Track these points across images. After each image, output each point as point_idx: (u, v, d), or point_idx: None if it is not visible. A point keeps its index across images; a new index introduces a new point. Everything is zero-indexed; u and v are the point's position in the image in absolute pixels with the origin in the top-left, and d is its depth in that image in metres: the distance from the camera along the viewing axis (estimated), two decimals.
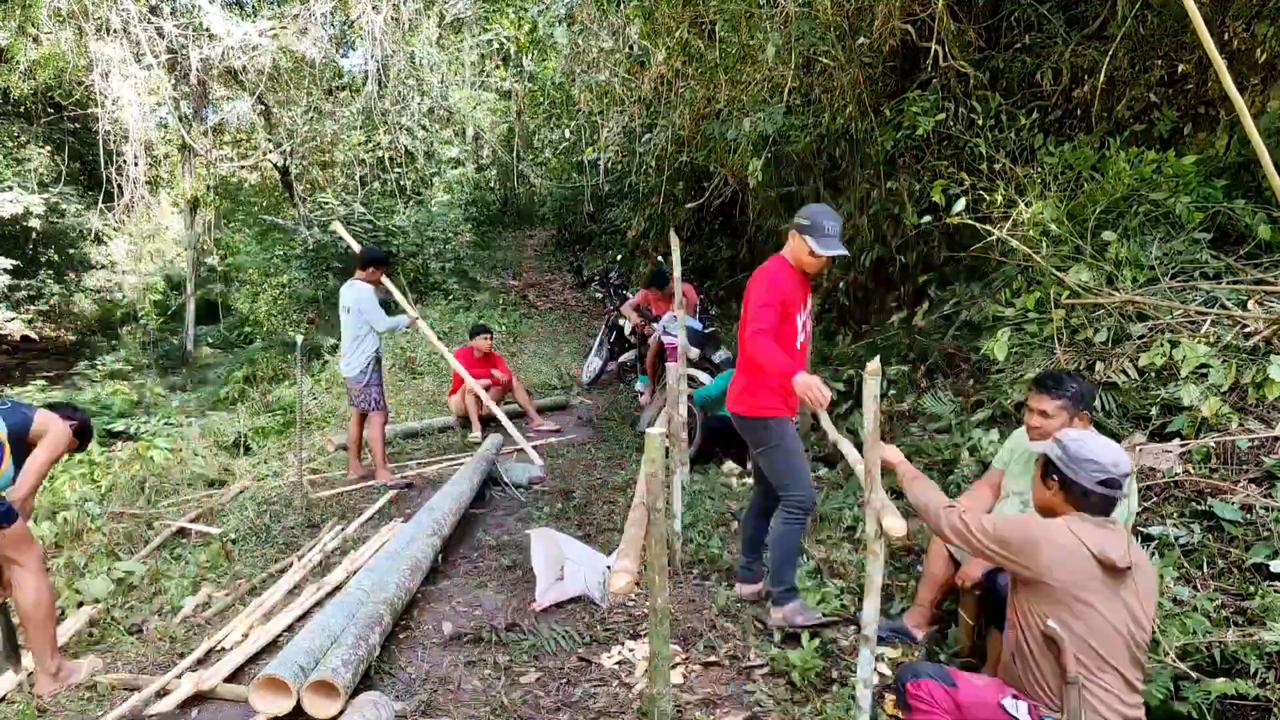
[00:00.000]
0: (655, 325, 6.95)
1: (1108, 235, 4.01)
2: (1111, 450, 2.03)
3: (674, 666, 2.91)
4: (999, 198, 4.69)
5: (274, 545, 4.37)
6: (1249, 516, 2.83)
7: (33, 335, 13.04)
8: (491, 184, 19.35)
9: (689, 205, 9.81)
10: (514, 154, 19.03)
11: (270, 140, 15.37)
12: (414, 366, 9.73)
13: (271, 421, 7.80)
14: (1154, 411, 3.35)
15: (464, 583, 3.82)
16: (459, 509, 4.35)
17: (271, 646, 3.18)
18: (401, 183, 15.74)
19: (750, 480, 4.26)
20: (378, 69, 14.56)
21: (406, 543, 3.71)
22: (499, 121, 18.79)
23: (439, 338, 11.15)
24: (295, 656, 2.69)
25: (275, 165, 15.82)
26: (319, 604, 3.55)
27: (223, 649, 3.16)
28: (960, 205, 4.68)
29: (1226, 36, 4.34)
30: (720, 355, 6.10)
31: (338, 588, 3.67)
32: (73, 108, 13.13)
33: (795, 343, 3.11)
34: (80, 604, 3.67)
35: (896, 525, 2.17)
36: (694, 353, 5.80)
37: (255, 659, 3.09)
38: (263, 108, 15.12)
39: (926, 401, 4.62)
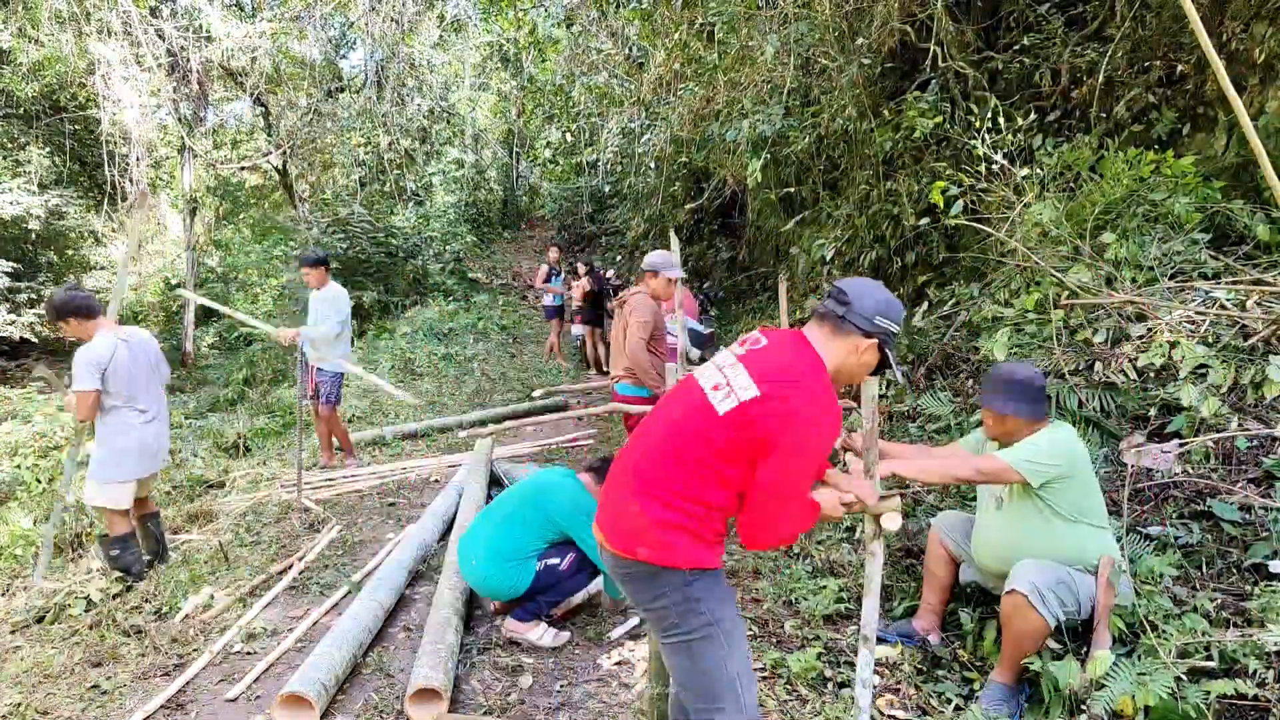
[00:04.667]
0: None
1: (1106, 236, 4.02)
2: None
3: None
4: (998, 198, 4.70)
5: (273, 546, 4.37)
6: (1248, 516, 2.84)
7: (32, 338, 13.04)
8: (491, 184, 19.38)
9: (688, 206, 9.83)
10: (513, 155, 19.04)
11: (270, 141, 15.39)
12: (413, 367, 9.74)
13: (271, 423, 7.80)
14: (1153, 412, 3.36)
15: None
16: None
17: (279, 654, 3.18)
18: (401, 184, 15.75)
19: None
20: (377, 70, 14.59)
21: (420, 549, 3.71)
22: (499, 122, 18.82)
23: (439, 338, 11.20)
24: (317, 673, 2.70)
25: (275, 166, 15.82)
26: (334, 606, 3.56)
27: (232, 652, 3.17)
28: (959, 206, 4.69)
29: (1225, 37, 4.35)
30: None
31: (348, 593, 3.69)
32: (74, 109, 13.15)
33: None
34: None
35: (894, 525, 2.17)
36: (695, 354, 5.82)
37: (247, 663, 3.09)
38: (262, 109, 15.14)
39: (926, 401, 4.62)
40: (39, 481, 5.34)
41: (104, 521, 3.92)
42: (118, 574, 3.84)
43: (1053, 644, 2.55)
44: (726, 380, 1.81)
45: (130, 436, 3.79)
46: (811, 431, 1.71)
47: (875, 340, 1.83)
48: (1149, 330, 3.58)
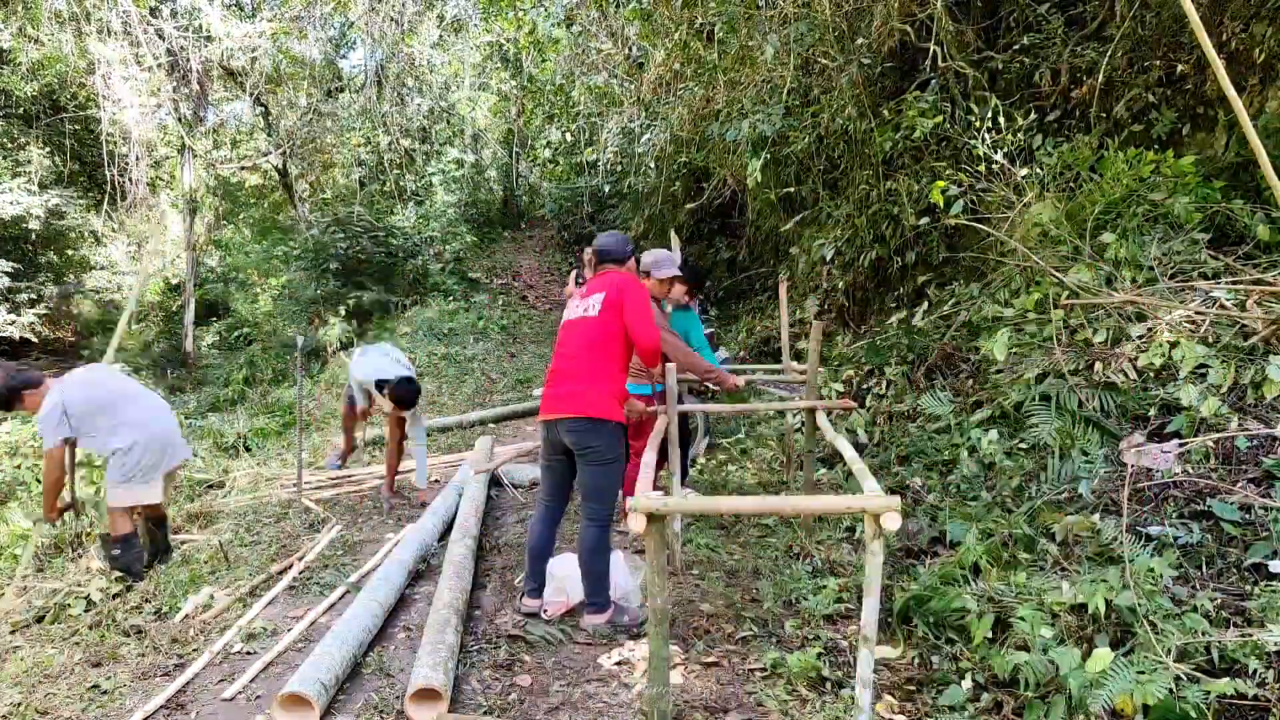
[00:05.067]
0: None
1: (1106, 236, 4.02)
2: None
3: (673, 667, 2.91)
4: (998, 198, 4.70)
5: (273, 546, 4.37)
6: (1248, 516, 2.84)
7: (32, 337, 13.04)
8: (491, 184, 19.38)
9: (688, 206, 9.82)
10: (513, 154, 19.04)
11: (270, 141, 15.38)
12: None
13: (271, 423, 7.80)
14: (1153, 411, 3.36)
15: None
16: (475, 509, 4.42)
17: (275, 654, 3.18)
18: (401, 184, 15.74)
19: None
20: (377, 70, 14.58)
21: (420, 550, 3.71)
22: (499, 122, 18.81)
23: (439, 338, 11.19)
24: (317, 673, 2.69)
25: (275, 166, 15.82)
26: (333, 606, 3.55)
27: (232, 651, 3.17)
28: (959, 206, 4.69)
29: (1225, 37, 4.35)
30: (720, 355, 6.10)
31: (347, 592, 3.69)
32: (74, 109, 13.15)
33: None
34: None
35: (894, 525, 2.18)
36: None
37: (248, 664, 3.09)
38: (262, 109, 15.13)
39: (926, 401, 4.63)
40: (39, 481, 5.35)
41: (107, 521, 3.94)
42: (118, 574, 3.84)
43: (1046, 633, 2.55)
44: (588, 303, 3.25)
45: (128, 455, 3.86)
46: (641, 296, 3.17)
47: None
48: (1149, 330, 3.58)
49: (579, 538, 3.17)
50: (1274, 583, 2.53)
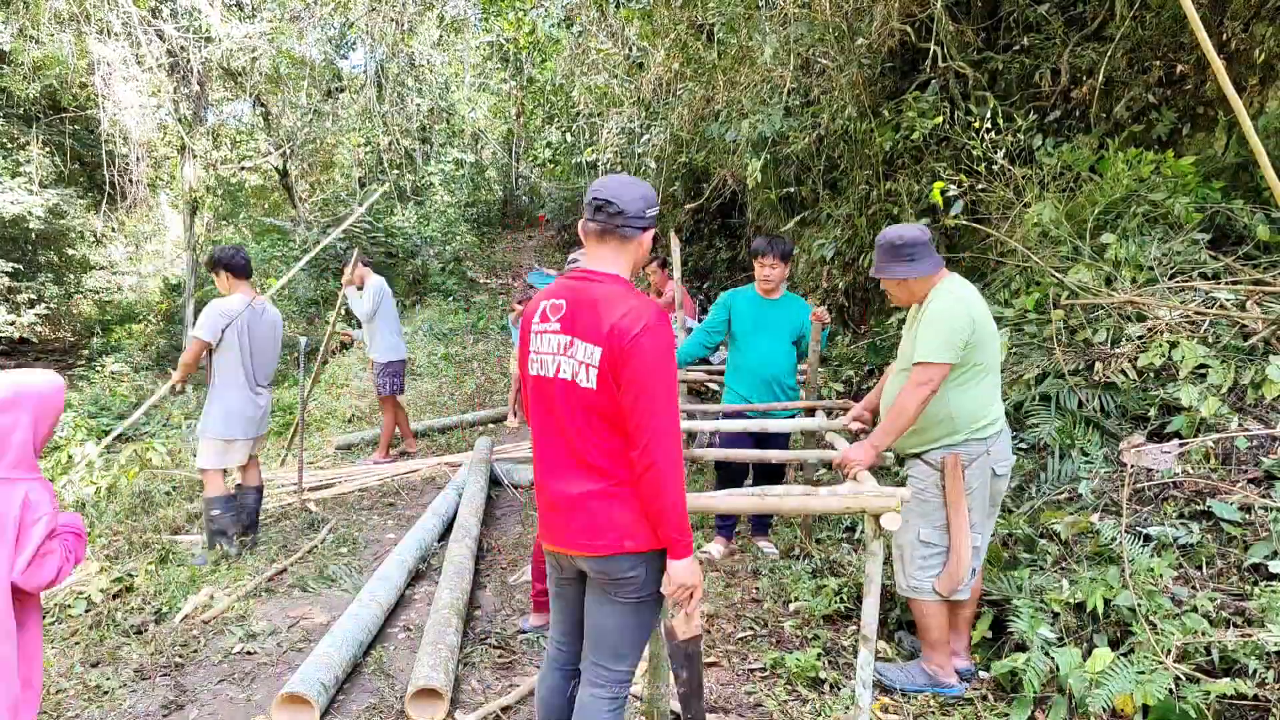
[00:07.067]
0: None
1: (1106, 236, 4.02)
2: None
3: None
4: (998, 198, 4.70)
5: (273, 546, 4.37)
6: (1248, 516, 2.84)
7: (32, 338, 13.03)
8: (492, 184, 19.38)
9: (688, 206, 9.82)
10: (513, 155, 19.03)
11: (270, 141, 15.38)
12: (413, 368, 9.73)
13: (271, 423, 7.79)
14: (1153, 412, 3.36)
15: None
16: (476, 509, 4.43)
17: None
18: (401, 184, 15.74)
19: None
20: (376, 70, 14.58)
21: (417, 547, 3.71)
22: (499, 122, 18.80)
23: (439, 338, 11.19)
24: (317, 673, 2.69)
25: (275, 167, 15.82)
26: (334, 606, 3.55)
27: (232, 652, 3.17)
28: (959, 206, 4.69)
29: (1225, 37, 4.35)
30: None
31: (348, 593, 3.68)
32: (74, 109, 13.15)
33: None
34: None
35: (894, 524, 2.18)
36: None
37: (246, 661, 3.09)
38: (262, 109, 15.13)
39: None
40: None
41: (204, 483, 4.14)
42: (212, 533, 4.07)
43: (1048, 634, 2.55)
44: (575, 360, 1.86)
45: (238, 397, 4.00)
46: (660, 358, 1.81)
47: (652, 228, 1.95)
48: (1149, 330, 3.58)
49: (578, 707, 2.07)
50: (1274, 583, 2.53)
